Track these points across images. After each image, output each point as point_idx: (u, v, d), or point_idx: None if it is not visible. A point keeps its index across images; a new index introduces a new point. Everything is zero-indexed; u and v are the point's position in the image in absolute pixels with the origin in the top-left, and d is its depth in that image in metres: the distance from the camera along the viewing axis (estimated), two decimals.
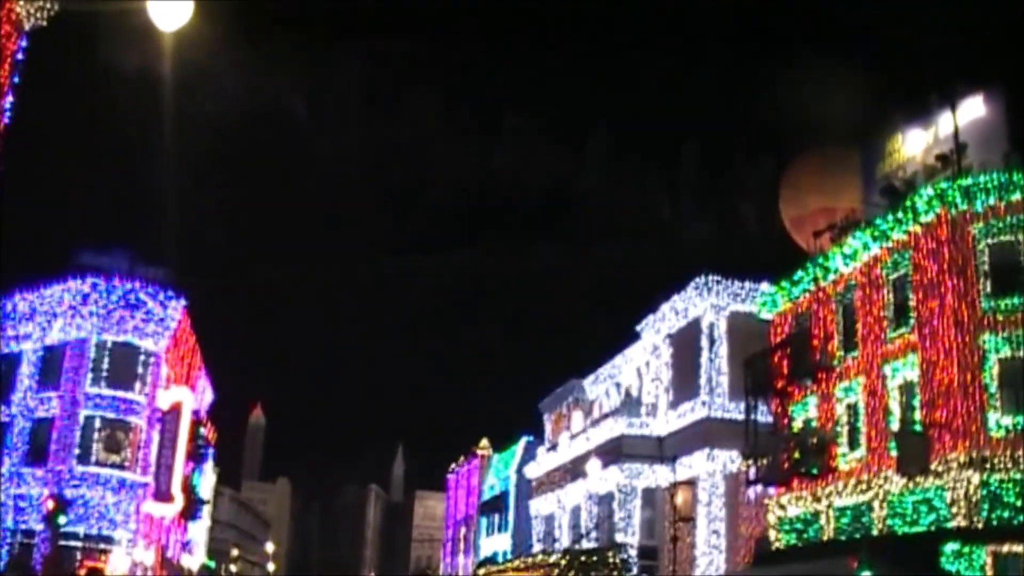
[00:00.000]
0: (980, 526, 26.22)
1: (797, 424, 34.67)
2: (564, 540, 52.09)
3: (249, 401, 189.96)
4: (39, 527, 44.01)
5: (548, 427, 63.18)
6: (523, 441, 69.95)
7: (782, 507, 34.65)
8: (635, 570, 40.15)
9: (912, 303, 29.52)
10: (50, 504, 40.97)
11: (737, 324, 41.47)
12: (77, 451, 46.55)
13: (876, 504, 29.48)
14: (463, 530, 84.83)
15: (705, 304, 42.41)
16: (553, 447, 58.59)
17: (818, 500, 32.34)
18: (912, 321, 29.38)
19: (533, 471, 61.00)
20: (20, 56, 24.23)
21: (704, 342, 42.25)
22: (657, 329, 47.03)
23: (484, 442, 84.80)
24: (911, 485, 28.05)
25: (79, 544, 45.03)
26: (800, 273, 34.93)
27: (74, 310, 47.89)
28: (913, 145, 32.84)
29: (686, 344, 43.89)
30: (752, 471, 35.72)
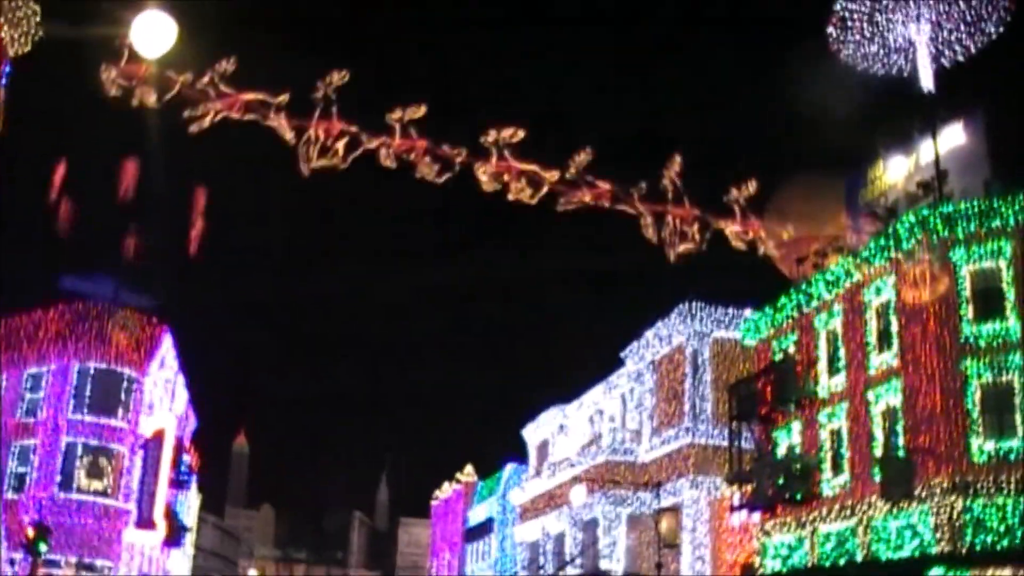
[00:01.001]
0: (964, 551, 26.29)
1: (781, 450, 34.72)
2: (549, 567, 51.92)
3: (233, 428, 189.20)
4: (19, 555, 43.69)
5: (532, 453, 63.03)
6: (508, 467, 69.73)
7: (767, 533, 34.65)
8: None
9: (895, 329, 29.66)
10: (31, 532, 40.69)
11: (721, 350, 41.58)
12: (59, 478, 46.31)
13: (860, 530, 29.53)
14: (448, 557, 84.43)
15: (689, 330, 42.49)
16: (537, 473, 58.47)
17: (803, 526, 32.36)
18: (895, 347, 29.51)
19: (518, 497, 60.81)
20: (3, 82, 24.24)
21: (688, 368, 42.30)
22: (641, 356, 47.06)
23: (469, 468, 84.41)
24: (895, 510, 28.11)
25: (61, 572, 44.74)
26: (783, 300, 35.05)
27: (57, 336, 47.73)
28: (895, 172, 33.09)
29: (670, 371, 43.94)
30: (736, 497, 35.74)
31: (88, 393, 47.81)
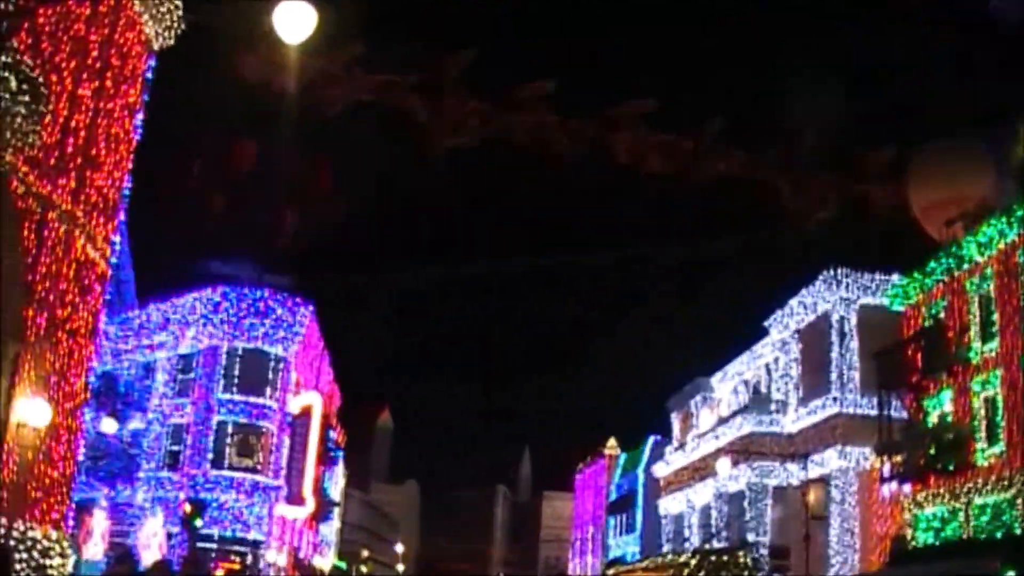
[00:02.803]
0: None
1: (932, 419, 33.69)
2: (694, 540, 51.56)
3: (377, 404, 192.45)
4: (176, 529, 45.21)
5: (676, 426, 62.59)
6: (651, 440, 69.49)
7: (918, 505, 33.71)
8: (766, 570, 39.55)
9: None
10: (187, 507, 42.07)
11: (868, 317, 40.46)
12: (211, 456, 47.71)
13: (1019, 501, 28.45)
14: (591, 530, 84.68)
15: (834, 298, 41.48)
16: (681, 446, 58.06)
17: (956, 497, 31.36)
18: None
19: (661, 470, 60.52)
20: (149, 75, 24.89)
21: (834, 337, 41.31)
22: (785, 324, 46.21)
23: (612, 442, 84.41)
24: None
25: (214, 546, 46.15)
26: (932, 264, 33.91)
27: (206, 319, 49.09)
28: None
29: (816, 339, 43.01)
30: (886, 468, 34.83)
31: (237, 373, 49.08)
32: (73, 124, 20.23)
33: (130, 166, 23.91)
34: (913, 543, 33.83)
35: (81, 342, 21.34)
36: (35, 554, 18.61)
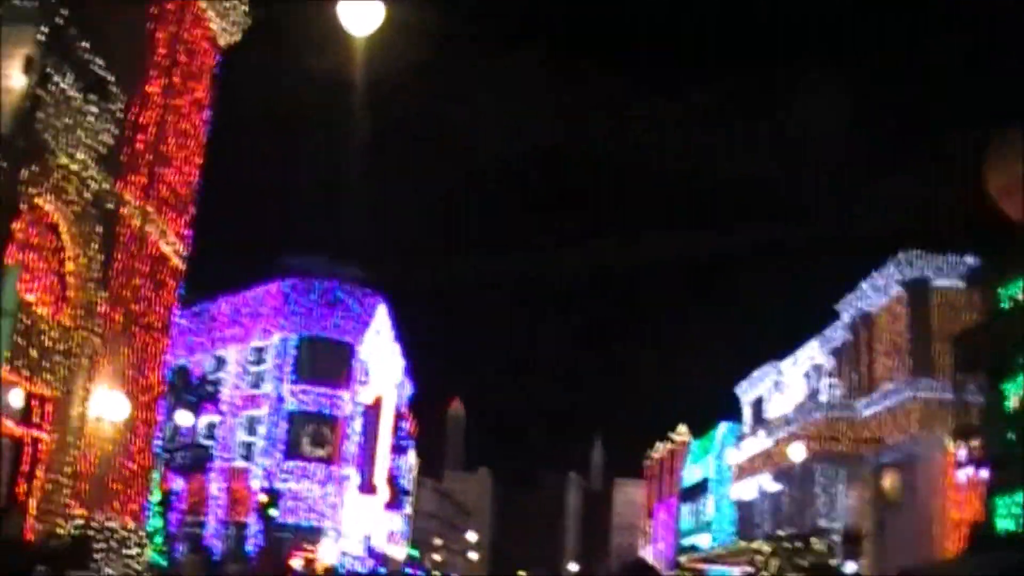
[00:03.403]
0: None
1: (1011, 403, 33.07)
2: (766, 526, 51.15)
3: (448, 394, 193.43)
4: (252, 519, 45.83)
5: (747, 412, 62.14)
6: (722, 426, 69.00)
7: (997, 491, 33.12)
8: (839, 557, 39.15)
9: None
10: (263, 498, 42.65)
11: (943, 299, 39.80)
12: (284, 446, 48.25)
13: None
14: (663, 517, 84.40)
15: (908, 279, 40.87)
16: (752, 432, 57.59)
17: None
18: None
19: (733, 457, 60.09)
20: (216, 71, 25.19)
21: (908, 319, 40.72)
22: (857, 308, 45.60)
23: (682, 428, 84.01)
24: None
25: (290, 535, 46.69)
26: (1010, 245, 33.24)
27: (276, 310, 49.62)
28: None
29: (889, 322, 42.43)
30: (963, 452, 34.30)
31: (308, 363, 49.55)
32: (143, 121, 20.53)
33: (200, 161, 24.21)
34: (992, 530, 33.26)
35: (156, 336, 21.69)
36: (113, 543, 18.96)
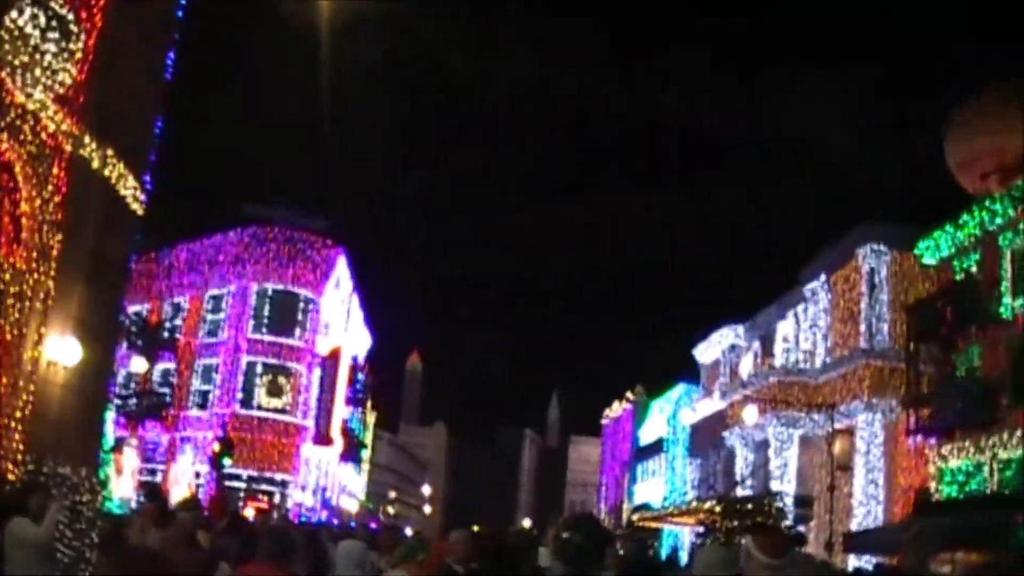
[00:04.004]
0: None
1: (961, 372, 33.53)
2: (719, 487, 51.72)
3: (406, 347, 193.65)
4: (205, 468, 45.78)
5: (703, 373, 62.65)
6: (679, 387, 69.52)
7: (944, 458, 33.64)
8: (790, 518, 39.62)
9: None
10: (216, 447, 42.58)
11: (899, 270, 40.19)
12: (240, 396, 48.15)
13: None
14: (618, 475, 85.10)
15: (866, 249, 41.19)
16: (708, 393, 58.09)
17: (982, 452, 31.26)
18: None
19: (688, 417, 60.63)
20: (179, 14, 24.81)
21: (864, 288, 41.09)
22: (816, 275, 45.98)
23: (639, 388, 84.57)
24: None
25: (243, 485, 46.73)
26: (965, 217, 33.58)
27: (236, 259, 49.33)
28: None
29: (846, 290, 42.80)
30: (913, 420, 34.77)
31: (267, 314, 49.39)
32: (103, 63, 20.22)
33: (161, 106, 23.90)
34: (937, 496, 33.81)
35: (112, 281, 21.48)
36: (66, 490, 18.87)
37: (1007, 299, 31.16)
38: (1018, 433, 29.47)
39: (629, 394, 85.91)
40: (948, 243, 34.95)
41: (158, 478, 47.40)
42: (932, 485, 34.46)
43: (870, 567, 27.76)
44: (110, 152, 20.75)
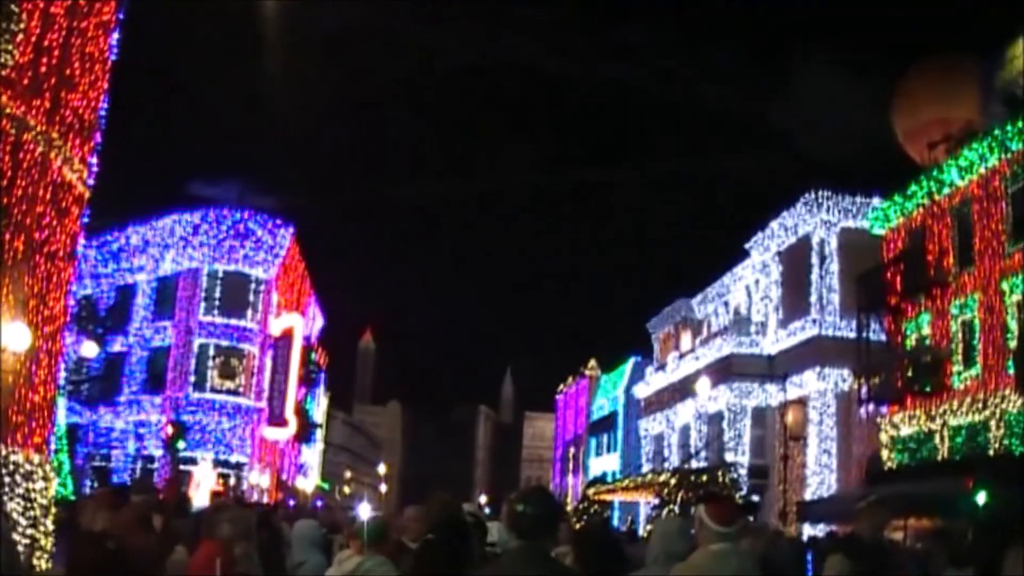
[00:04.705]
0: None
1: (910, 341, 33.93)
2: (674, 459, 52.08)
3: (359, 326, 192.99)
4: (159, 452, 45.41)
5: (657, 347, 62.97)
6: (632, 361, 69.86)
7: (894, 426, 34.08)
8: (745, 489, 40.01)
9: None
10: (169, 430, 42.28)
11: (849, 240, 40.52)
12: (193, 378, 47.77)
13: (992, 423, 28.75)
14: (572, 450, 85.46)
15: (815, 220, 41.51)
16: (662, 367, 58.42)
17: (932, 419, 31.70)
18: None
19: (642, 391, 60.95)
20: None
21: (815, 259, 41.41)
22: (767, 247, 46.29)
23: (592, 363, 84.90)
24: None
25: (198, 468, 46.38)
26: (914, 187, 33.91)
27: (185, 241, 48.84)
28: None
29: (796, 261, 43.12)
30: (864, 389, 35.15)
31: (218, 295, 48.96)
32: (46, 43, 19.89)
33: (106, 86, 23.56)
34: (889, 463, 34.25)
35: (60, 265, 21.19)
36: (18, 478, 18.65)
37: (955, 268, 31.52)
38: (968, 400, 29.91)
39: (583, 369, 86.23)
40: (897, 212, 35.29)
41: (111, 464, 47.05)
42: (884, 453, 34.90)
43: (823, 535, 28.08)
44: (55, 135, 20.44)
